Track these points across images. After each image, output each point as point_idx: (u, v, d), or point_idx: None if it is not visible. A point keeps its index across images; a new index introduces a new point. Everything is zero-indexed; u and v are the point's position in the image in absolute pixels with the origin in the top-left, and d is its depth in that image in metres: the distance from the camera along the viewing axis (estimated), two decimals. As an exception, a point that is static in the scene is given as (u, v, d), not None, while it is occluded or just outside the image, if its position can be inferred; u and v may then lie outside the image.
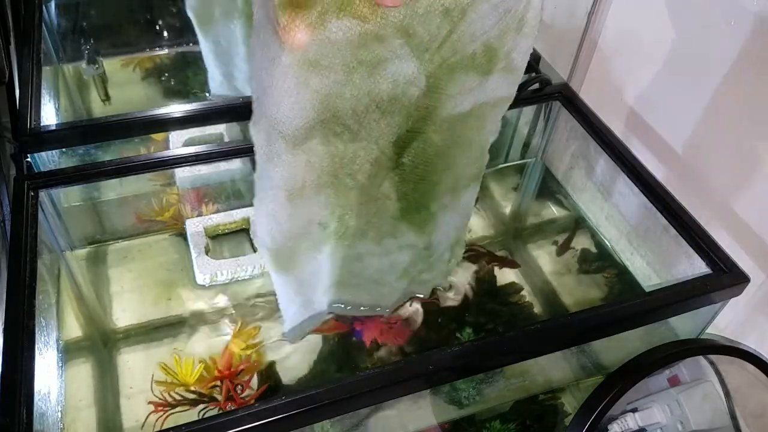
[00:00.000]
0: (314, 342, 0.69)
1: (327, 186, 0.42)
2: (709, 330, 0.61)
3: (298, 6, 0.32)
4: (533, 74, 0.75)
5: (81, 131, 0.67)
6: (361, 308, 0.58)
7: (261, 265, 0.72)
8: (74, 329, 0.68)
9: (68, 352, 0.65)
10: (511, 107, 0.75)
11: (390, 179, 0.44)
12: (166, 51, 0.99)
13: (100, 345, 0.70)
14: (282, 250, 0.44)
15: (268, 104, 0.36)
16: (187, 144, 0.76)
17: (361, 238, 0.47)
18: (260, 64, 0.35)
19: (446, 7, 0.35)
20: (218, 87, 0.81)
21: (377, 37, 0.34)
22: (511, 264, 0.79)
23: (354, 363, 0.68)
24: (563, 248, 0.81)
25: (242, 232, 0.78)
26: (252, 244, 0.77)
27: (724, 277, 0.55)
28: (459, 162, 0.46)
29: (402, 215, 0.48)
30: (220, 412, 0.61)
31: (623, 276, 0.73)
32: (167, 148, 0.75)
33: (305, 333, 0.53)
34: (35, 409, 0.46)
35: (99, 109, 0.92)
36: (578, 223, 0.82)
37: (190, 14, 0.76)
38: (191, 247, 0.75)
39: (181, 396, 0.64)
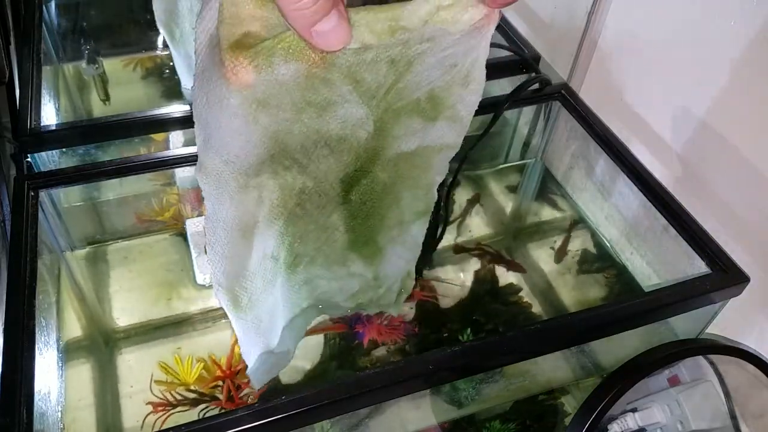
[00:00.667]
0: (314, 342, 0.69)
1: (278, 217, 0.43)
2: (709, 330, 0.60)
3: (245, 47, 0.32)
4: (533, 74, 0.75)
5: (81, 131, 0.67)
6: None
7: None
8: (74, 329, 0.68)
9: (68, 352, 0.65)
10: (511, 107, 0.77)
11: (339, 212, 0.46)
12: (166, 51, 0.99)
13: (101, 345, 0.70)
14: (238, 290, 0.45)
15: (218, 146, 0.37)
16: (187, 144, 0.76)
17: (310, 265, 0.49)
18: (206, 109, 0.36)
19: (393, 58, 0.36)
20: (190, 97, 0.82)
21: (325, 82, 0.35)
22: (517, 267, 0.79)
23: (354, 363, 0.68)
24: (560, 253, 0.81)
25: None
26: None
27: (724, 277, 0.55)
28: (405, 197, 0.47)
29: (350, 247, 0.49)
30: (221, 411, 0.61)
31: (623, 276, 0.73)
32: (167, 148, 0.75)
33: (272, 375, 0.53)
34: (35, 409, 0.46)
35: (99, 109, 0.92)
36: (573, 227, 0.82)
37: (160, 28, 0.77)
38: (191, 247, 0.75)
39: (182, 396, 0.64)
